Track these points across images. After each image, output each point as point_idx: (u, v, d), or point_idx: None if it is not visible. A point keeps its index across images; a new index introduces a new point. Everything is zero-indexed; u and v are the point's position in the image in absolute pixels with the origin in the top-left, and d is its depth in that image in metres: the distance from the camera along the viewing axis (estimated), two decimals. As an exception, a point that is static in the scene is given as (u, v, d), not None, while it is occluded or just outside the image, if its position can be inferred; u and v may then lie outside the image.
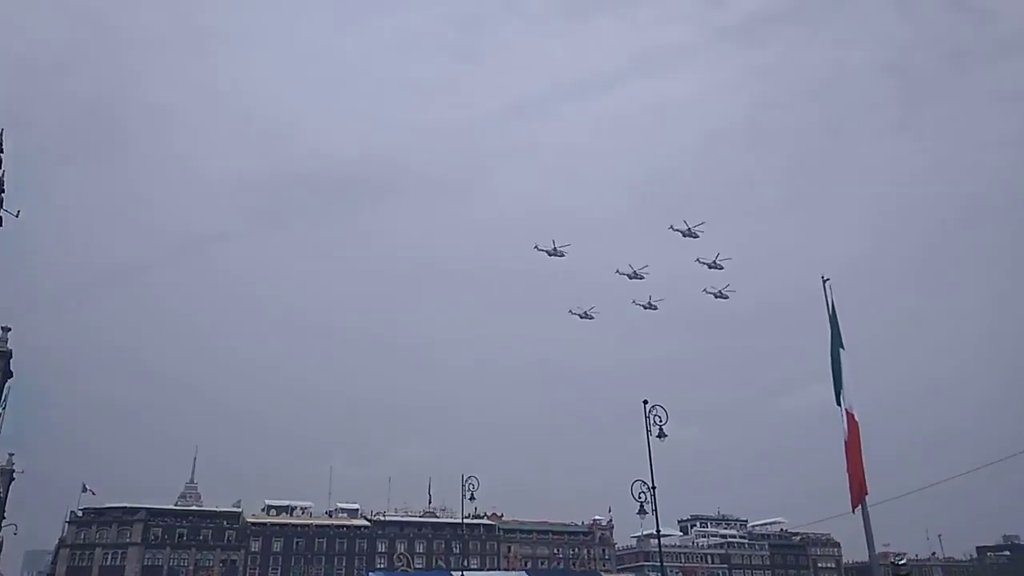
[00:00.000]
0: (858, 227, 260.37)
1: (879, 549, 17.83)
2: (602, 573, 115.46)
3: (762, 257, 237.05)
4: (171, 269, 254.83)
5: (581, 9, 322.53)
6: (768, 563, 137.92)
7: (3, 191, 40.76)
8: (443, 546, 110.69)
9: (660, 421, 31.93)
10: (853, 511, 15.24)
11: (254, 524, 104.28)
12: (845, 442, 15.53)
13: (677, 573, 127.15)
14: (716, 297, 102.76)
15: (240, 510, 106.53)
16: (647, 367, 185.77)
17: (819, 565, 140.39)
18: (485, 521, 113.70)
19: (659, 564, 67.85)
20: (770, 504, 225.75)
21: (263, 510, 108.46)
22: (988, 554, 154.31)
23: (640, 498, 32.44)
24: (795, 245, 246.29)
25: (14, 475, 66.88)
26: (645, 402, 32.13)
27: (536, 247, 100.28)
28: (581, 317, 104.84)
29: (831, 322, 16.98)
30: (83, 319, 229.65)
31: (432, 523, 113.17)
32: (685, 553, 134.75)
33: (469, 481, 42.00)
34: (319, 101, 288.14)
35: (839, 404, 16.05)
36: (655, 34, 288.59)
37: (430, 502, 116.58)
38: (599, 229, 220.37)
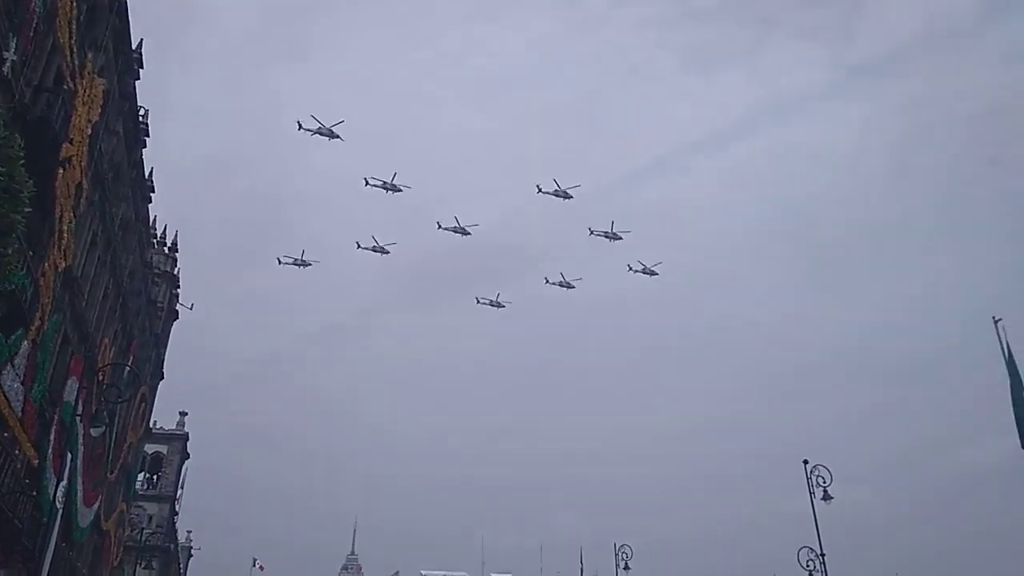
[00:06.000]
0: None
1: None
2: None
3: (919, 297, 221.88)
4: (312, 351, 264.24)
5: (703, 65, 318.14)
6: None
7: (179, 287, 45.01)
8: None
9: (823, 482, 30.16)
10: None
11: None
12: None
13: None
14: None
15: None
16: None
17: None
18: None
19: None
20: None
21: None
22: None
23: (808, 566, 30.48)
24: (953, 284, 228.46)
25: (192, 552, 71.76)
26: (805, 462, 30.48)
27: None
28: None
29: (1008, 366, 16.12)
30: (239, 406, 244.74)
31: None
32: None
33: (622, 549, 40.34)
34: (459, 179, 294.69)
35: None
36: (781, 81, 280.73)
37: (582, 572, 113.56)
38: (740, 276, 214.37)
